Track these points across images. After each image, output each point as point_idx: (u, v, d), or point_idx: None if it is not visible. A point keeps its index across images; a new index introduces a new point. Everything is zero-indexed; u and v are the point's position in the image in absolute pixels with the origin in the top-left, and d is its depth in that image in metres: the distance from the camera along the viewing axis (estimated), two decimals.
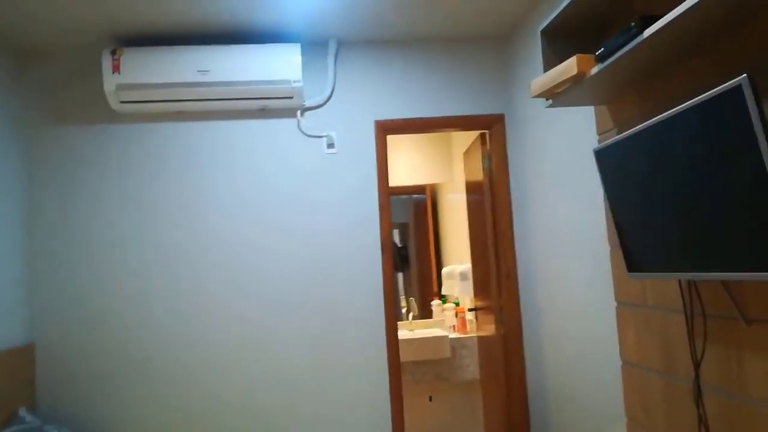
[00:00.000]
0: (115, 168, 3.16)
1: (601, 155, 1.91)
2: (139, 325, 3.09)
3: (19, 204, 3.02)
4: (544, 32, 2.22)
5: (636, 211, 1.78)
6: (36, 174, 3.11)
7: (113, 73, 2.93)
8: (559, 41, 2.23)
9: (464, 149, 4.58)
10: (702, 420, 1.73)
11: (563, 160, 2.75)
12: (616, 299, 2.28)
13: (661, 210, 1.64)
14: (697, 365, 1.76)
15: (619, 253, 2.23)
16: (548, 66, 2.21)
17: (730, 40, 1.57)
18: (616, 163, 1.84)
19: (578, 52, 2.20)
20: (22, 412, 2.74)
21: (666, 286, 1.94)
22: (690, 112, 1.43)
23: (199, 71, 2.98)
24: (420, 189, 5.05)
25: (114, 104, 3.00)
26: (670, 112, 1.50)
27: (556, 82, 2.03)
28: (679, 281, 1.82)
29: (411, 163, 4.96)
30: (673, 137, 1.52)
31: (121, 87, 2.93)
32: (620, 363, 2.29)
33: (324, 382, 3.17)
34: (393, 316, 3.25)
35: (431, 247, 5.05)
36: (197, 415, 3.08)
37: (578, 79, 1.92)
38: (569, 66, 1.93)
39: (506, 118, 3.40)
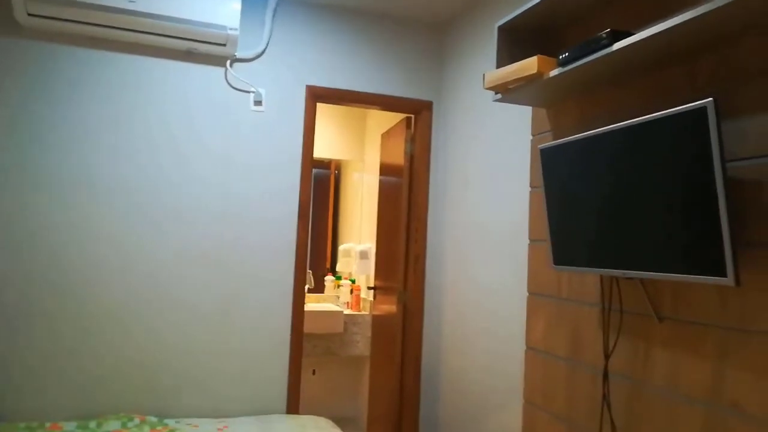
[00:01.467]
0: (15, 86, 2.78)
1: (546, 153, 2.02)
2: (35, 261, 2.77)
3: None
4: (501, 28, 2.30)
5: (571, 209, 1.92)
6: None
7: None
8: (514, 39, 2.32)
9: (379, 130, 4.61)
10: (606, 399, 1.92)
11: (488, 153, 2.87)
12: (529, 290, 2.44)
13: (595, 211, 1.79)
14: (608, 355, 1.94)
15: (539, 246, 2.39)
16: (501, 61, 2.30)
17: (684, 65, 1.73)
18: (559, 163, 1.96)
19: (530, 52, 2.31)
20: None
21: (584, 280, 2.11)
22: (649, 124, 1.56)
23: None
24: (324, 163, 5.01)
25: (20, 15, 2.64)
26: (631, 121, 1.62)
27: (511, 78, 2.11)
28: (601, 277, 1.99)
29: (321, 135, 4.90)
30: (625, 145, 1.66)
31: None
32: (523, 349, 2.46)
33: (226, 340, 3.06)
34: (302, 284, 3.22)
35: (329, 223, 5.04)
36: (81, 362, 2.83)
37: (535, 78, 2.02)
38: (529, 64, 2.01)
39: (434, 106, 3.47)
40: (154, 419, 2.77)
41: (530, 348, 2.40)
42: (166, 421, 2.80)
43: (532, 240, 2.45)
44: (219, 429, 2.74)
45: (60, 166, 2.84)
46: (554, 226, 2.02)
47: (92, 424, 2.66)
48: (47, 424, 2.64)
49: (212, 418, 2.99)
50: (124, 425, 2.67)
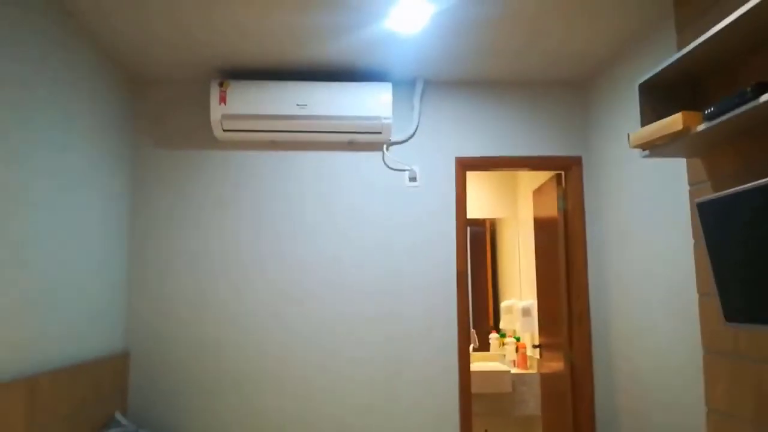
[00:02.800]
0: (214, 189, 3.37)
1: (704, 207, 1.99)
2: (227, 341, 3.26)
3: (124, 220, 3.24)
4: (642, 85, 2.33)
5: (737, 262, 1.86)
6: (140, 191, 3.34)
7: (220, 103, 3.15)
8: (655, 94, 2.34)
9: (530, 188, 4.68)
10: None
11: (643, 205, 2.83)
12: (704, 347, 2.33)
13: (764, 264, 1.72)
14: None
15: (709, 301, 2.29)
16: (645, 118, 2.32)
17: None
18: (719, 216, 1.92)
19: (673, 107, 2.31)
20: (118, 416, 2.91)
21: (761, 336, 1.99)
22: None
23: (297, 105, 3.18)
24: (478, 222, 5.15)
25: (218, 132, 3.21)
26: None
27: (656, 136, 2.13)
28: None
29: (473, 196, 5.08)
30: None
31: (225, 117, 3.15)
32: (704, 410, 2.33)
33: (396, 407, 3.26)
34: (466, 347, 3.34)
35: (489, 281, 5.13)
36: (272, 428, 3.20)
37: (681, 134, 2.03)
38: (674, 121, 2.03)
39: (583, 160, 3.50)
40: None
41: (712, 410, 2.28)
42: None
43: (702, 294, 2.36)
44: None
45: (252, 250, 3.33)
46: (721, 282, 1.96)
47: None
48: None
49: None
50: None
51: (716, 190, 2.19)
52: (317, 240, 3.37)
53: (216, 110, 3.15)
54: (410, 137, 3.48)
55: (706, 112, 1.90)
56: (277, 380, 3.25)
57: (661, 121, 2.10)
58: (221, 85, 3.16)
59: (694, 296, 2.41)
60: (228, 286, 3.31)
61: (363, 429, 3.24)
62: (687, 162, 2.45)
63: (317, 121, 3.19)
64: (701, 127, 1.93)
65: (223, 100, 3.15)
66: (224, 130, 3.21)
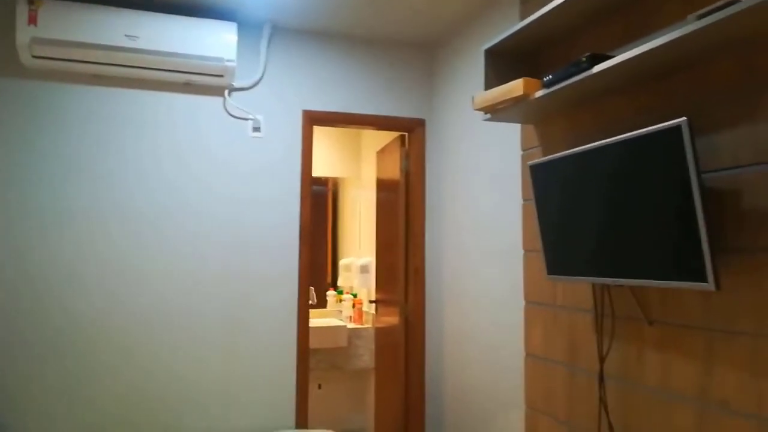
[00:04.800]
0: (19, 125, 2.89)
1: (536, 169, 2.14)
2: (46, 291, 2.86)
3: None
4: (488, 51, 2.42)
5: (561, 221, 2.03)
6: None
7: (29, 24, 2.69)
8: (500, 60, 2.44)
9: (374, 147, 4.73)
10: (602, 401, 2.02)
11: (480, 167, 2.99)
12: (526, 298, 2.54)
13: (585, 222, 1.90)
14: (602, 358, 2.04)
15: (533, 256, 2.50)
16: (489, 82, 2.42)
17: (660, 83, 1.85)
18: (549, 178, 2.08)
19: (516, 73, 2.44)
20: None
21: (577, 289, 2.22)
22: (630, 142, 1.68)
23: (126, 36, 2.83)
24: (321, 181, 5.12)
25: (25, 58, 2.75)
26: (612, 138, 1.74)
27: (499, 100, 2.23)
28: (593, 285, 2.10)
29: (317, 154, 5.01)
30: (609, 161, 1.77)
31: (36, 40, 2.70)
32: (523, 356, 2.56)
33: (233, 360, 3.15)
34: (306, 303, 3.32)
35: (329, 239, 5.14)
36: (95, 385, 2.92)
37: (522, 99, 2.14)
38: (515, 87, 2.13)
39: (427, 123, 3.59)
40: None
41: (530, 355, 2.51)
42: None
43: (527, 250, 2.56)
44: None
45: (63, 198, 2.94)
46: (546, 238, 2.13)
47: None
48: None
49: None
50: None
51: (545, 155, 2.37)
52: (149, 188, 3.07)
53: (24, 32, 2.68)
54: (255, 84, 3.28)
55: (545, 79, 2.02)
56: (100, 337, 2.94)
57: (504, 85, 2.19)
58: (31, 2, 2.69)
59: (520, 252, 2.61)
60: (41, 235, 2.89)
61: (200, 383, 3.08)
62: (521, 128, 2.61)
63: (149, 56, 2.87)
64: (539, 94, 2.05)
65: (33, 20, 2.69)
66: (34, 56, 2.75)
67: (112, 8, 2.81)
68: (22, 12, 2.68)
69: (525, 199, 2.59)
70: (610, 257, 1.80)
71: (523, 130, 2.61)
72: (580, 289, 2.20)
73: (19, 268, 2.86)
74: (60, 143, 2.95)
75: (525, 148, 2.59)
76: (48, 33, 2.71)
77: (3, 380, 2.81)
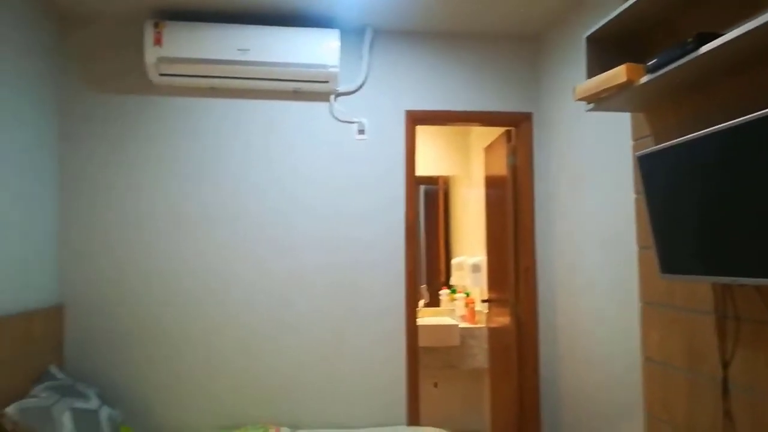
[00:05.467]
0: (147, 137, 3.20)
1: (644, 160, 1.98)
2: (165, 290, 3.16)
3: (52, 166, 3.06)
4: (589, 38, 2.28)
5: (674, 215, 1.86)
6: (70, 137, 3.14)
7: (155, 45, 2.97)
8: (602, 48, 2.29)
9: (483, 144, 4.64)
10: (727, 412, 1.83)
11: (591, 161, 2.82)
12: (642, 299, 2.37)
13: (701, 216, 1.72)
14: (726, 365, 1.85)
15: (649, 253, 2.31)
16: (591, 71, 2.28)
17: None
18: (659, 169, 1.91)
19: (619, 60, 2.27)
20: (53, 369, 2.80)
21: (695, 288, 2.03)
22: (746, 126, 1.50)
23: (239, 50, 3.02)
24: (432, 180, 5.12)
25: (153, 76, 3.04)
26: (726, 123, 1.57)
27: (601, 88, 2.09)
28: (713, 285, 1.91)
29: (427, 153, 5.02)
30: (723, 147, 1.60)
31: (162, 60, 2.97)
32: (641, 360, 2.39)
33: (343, 358, 3.25)
34: (414, 302, 3.34)
35: (441, 238, 5.13)
36: (216, 378, 3.16)
37: (625, 86, 1.99)
38: (617, 73, 1.99)
39: (534, 117, 3.46)
40: (287, 430, 3.01)
41: (647, 359, 2.33)
42: (298, 431, 3.03)
43: (641, 247, 2.38)
44: None
45: (186, 202, 3.21)
46: (658, 234, 1.97)
47: None
48: None
49: (339, 429, 3.18)
50: None
51: (657, 144, 2.19)
52: (260, 192, 3.26)
53: (151, 52, 2.96)
54: (359, 88, 3.36)
55: (648, 64, 1.87)
56: (219, 334, 3.19)
57: (605, 73, 2.06)
58: (156, 25, 2.97)
59: (635, 249, 2.44)
60: (164, 238, 3.18)
61: (310, 381, 3.22)
62: (631, 116, 2.44)
63: (260, 67, 3.04)
64: (644, 79, 1.90)
65: (158, 41, 2.97)
66: (160, 74, 3.03)
67: (225, 25, 3.02)
68: (149, 34, 2.96)
69: (638, 193, 2.41)
70: (729, 254, 1.63)
71: (633, 119, 2.43)
72: (699, 288, 2.01)
73: (151, 266, 3.17)
74: (183, 152, 3.22)
75: (636, 138, 2.41)
76: (171, 52, 2.97)
77: (140, 366, 3.13)
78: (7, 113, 2.60)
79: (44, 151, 2.96)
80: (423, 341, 4.30)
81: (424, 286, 4.95)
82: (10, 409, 2.28)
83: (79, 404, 2.56)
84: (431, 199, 5.12)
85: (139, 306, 3.15)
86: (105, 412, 2.67)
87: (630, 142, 2.47)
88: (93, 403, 2.65)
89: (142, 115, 3.21)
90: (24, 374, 2.64)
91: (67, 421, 2.41)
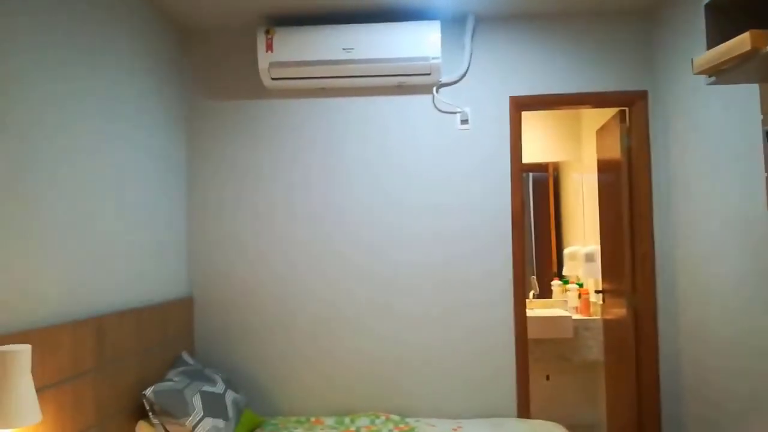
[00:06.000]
0: (264, 140, 3.41)
1: None
2: (284, 284, 3.36)
3: (181, 170, 3.36)
4: (708, 5, 2.11)
5: None
6: (195, 143, 3.43)
7: (267, 51, 3.14)
8: (723, 14, 2.11)
9: (595, 127, 4.44)
10: None
11: (716, 139, 2.62)
12: None
13: None
14: None
15: None
16: (712, 41, 2.11)
17: None
18: None
19: (743, 27, 2.08)
20: (185, 355, 3.08)
21: None
22: None
23: (343, 49, 3.12)
24: (541, 167, 4.97)
25: (266, 81, 3.22)
26: None
27: (724, 59, 1.94)
28: None
29: (535, 139, 4.89)
30: None
31: (273, 65, 3.15)
32: None
33: (452, 351, 3.28)
34: (522, 292, 3.28)
35: (552, 227, 4.98)
36: (331, 368, 3.31)
37: (750, 55, 1.83)
38: (741, 41, 1.83)
39: (649, 95, 3.26)
40: (397, 417, 3.09)
41: None
42: (407, 419, 3.10)
43: None
44: (454, 429, 2.94)
45: (301, 198, 3.37)
46: None
47: (347, 420, 3.08)
48: (312, 419, 3.14)
49: (448, 419, 3.21)
50: (372, 422, 3.04)
51: None
52: (371, 186, 3.35)
53: (263, 58, 3.15)
54: (461, 78, 3.35)
55: None
56: (337, 322, 3.33)
57: (727, 42, 1.90)
58: (267, 32, 3.14)
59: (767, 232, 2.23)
60: (282, 233, 3.37)
61: (419, 371, 3.28)
62: (760, 87, 2.23)
63: (364, 65, 3.13)
64: None
65: (270, 47, 3.14)
66: (272, 79, 3.20)
67: (329, 26, 3.13)
68: (261, 42, 3.15)
69: None
70: None
71: (762, 91, 2.22)
72: None
73: (271, 261, 3.37)
74: (298, 150, 3.39)
75: (766, 112, 2.20)
76: (282, 56, 3.14)
77: (261, 355, 3.35)
78: (146, 123, 2.89)
79: (174, 155, 3.25)
80: (534, 333, 4.22)
81: (534, 277, 4.84)
82: (149, 391, 2.54)
83: (208, 387, 2.79)
84: (541, 187, 4.98)
85: (261, 298, 3.37)
86: (230, 396, 2.89)
87: (759, 116, 2.26)
88: (219, 387, 2.87)
89: (258, 119, 3.42)
90: (161, 360, 2.93)
91: (197, 402, 2.65)
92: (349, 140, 3.38)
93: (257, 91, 3.41)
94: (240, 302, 3.37)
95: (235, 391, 2.97)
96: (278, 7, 3.10)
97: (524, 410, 3.25)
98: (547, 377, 4.61)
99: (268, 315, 3.36)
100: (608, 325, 3.86)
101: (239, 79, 3.42)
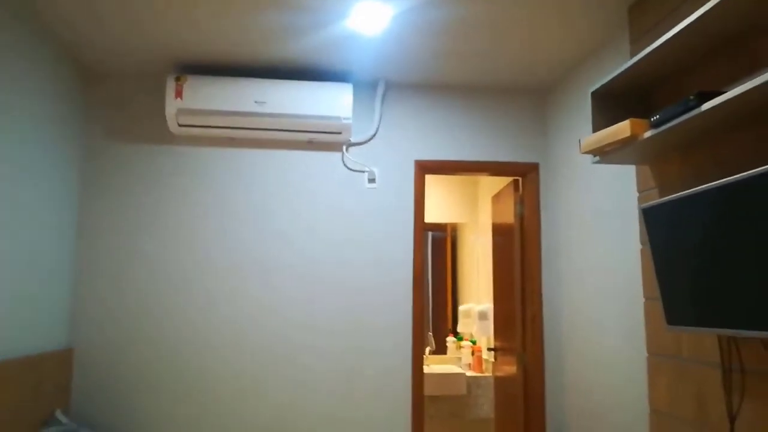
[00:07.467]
0: (169, 186, 3.30)
1: (649, 213, 2.04)
2: (175, 337, 3.19)
3: (70, 213, 3.15)
4: (594, 93, 2.38)
5: (679, 267, 1.91)
6: (90, 185, 3.25)
7: (176, 98, 3.09)
8: (607, 102, 2.39)
9: (491, 193, 4.73)
10: None
11: (598, 211, 2.89)
12: (649, 350, 2.38)
13: (705, 268, 1.77)
14: (732, 419, 1.86)
15: (655, 304, 2.35)
16: (596, 125, 2.38)
17: None
18: (664, 221, 1.97)
19: (624, 115, 2.37)
20: (58, 414, 2.81)
21: (702, 339, 2.05)
22: (748, 180, 1.57)
23: (256, 102, 3.15)
24: (440, 227, 5.18)
25: (173, 127, 3.15)
26: (729, 178, 1.63)
27: (606, 142, 2.18)
28: (719, 337, 1.94)
29: (436, 201, 5.11)
30: (726, 201, 1.66)
31: (182, 111, 3.09)
32: (648, 412, 2.39)
33: (348, 405, 3.24)
34: (420, 350, 3.35)
35: (448, 285, 5.16)
36: (223, 426, 3.16)
37: (629, 141, 2.08)
38: (622, 128, 2.08)
39: (540, 167, 3.55)
40: None
41: (654, 411, 2.33)
42: None
43: (648, 298, 2.42)
44: None
45: (199, 249, 3.27)
46: (664, 285, 2.01)
47: None
48: None
49: None
50: None
51: (662, 197, 2.25)
52: (275, 240, 3.33)
53: (171, 104, 3.09)
54: (370, 138, 3.48)
55: (652, 119, 1.95)
56: (228, 382, 3.20)
57: (611, 127, 2.15)
58: (178, 79, 3.10)
59: (641, 300, 2.47)
60: (180, 286, 3.24)
61: (314, 427, 3.20)
62: (636, 169, 2.51)
63: (276, 119, 3.16)
64: (648, 134, 1.98)
65: (179, 94, 3.10)
66: (180, 125, 3.14)
67: (243, 78, 3.16)
68: (170, 88, 3.09)
69: (644, 244, 2.47)
70: (733, 306, 1.67)
71: (638, 172, 2.50)
72: (705, 340, 2.04)
73: (163, 313, 3.21)
74: (200, 200, 3.31)
75: (641, 190, 2.48)
76: (191, 104, 3.10)
77: (145, 412, 3.13)
78: (30, 162, 2.70)
79: (64, 198, 3.06)
80: (429, 390, 4.28)
81: (430, 333, 4.95)
82: None
83: None
84: (439, 246, 5.18)
85: (148, 352, 3.18)
86: None
87: (636, 194, 2.54)
88: None
89: (161, 165, 3.31)
90: (31, 418, 2.66)
91: None
92: (257, 192, 3.36)
93: (163, 137, 3.32)
94: (126, 356, 3.16)
95: None
96: (190, 55, 3.08)
97: None
98: None
99: (154, 372, 3.16)
100: (499, 381, 4.01)
101: (144, 124, 3.32)
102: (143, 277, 3.22)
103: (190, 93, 3.11)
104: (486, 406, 4.40)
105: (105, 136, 3.29)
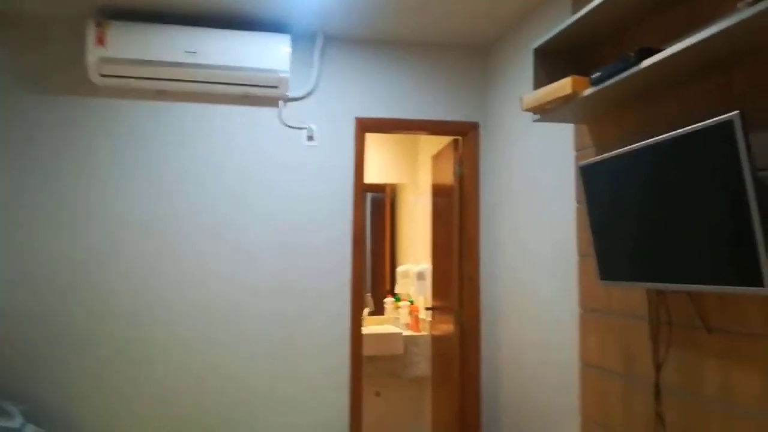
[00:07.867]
0: (92, 140, 3.09)
1: (586, 170, 2.07)
2: (97, 300, 3.04)
3: None
4: (536, 50, 2.37)
5: (613, 223, 1.95)
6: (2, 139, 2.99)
7: (97, 45, 2.87)
8: (549, 60, 2.38)
9: (431, 153, 4.71)
10: (659, 413, 1.91)
11: (536, 171, 2.92)
12: (581, 305, 2.45)
13: (638, 225, 1.81)
14: (658, 368, 1.94)
15: (588, 261, 2.41)
16: (538, 82, 2.37)
17: (712, 79, 1.75)
18: (600, 179, 2.00)
19: (566, 72, 2.36)
20: None
21: (632, 294, 2.12)
22: (679, 139, 1.59)
23: (186, 52, 2.96)
24: (379, 188, 5.15)
25: (94, 77, 2.93)
26: (661, 136, 1.66)
27: (547, 99, 2.17)
28: (648, 291, 2.01)
29: (375, 161, 5.05)
30: (658, 160, 1.69)
31: (104, 60, 2.88)
32: (579, 366, 2.47)
33: (287, 366, 3.21)
34: (359, 311, 3.34)
35: (387, 246, 5.16)
36: (150, 395, 3.05)
37: (570, 98, 2.08)
38: (563, 85, 2.07)
39: (481, 126, 3.55)
40: None
41: (585, 364, 2.42)
42: None
43: (582, 255, 2.48)
44: None
45: (132, 207, 3.10)
46: (598, 242, 2.05)
47: None
48: None
49: None
50: None
51: (598, 156, 2.28)
52: (207, 197, 3.19)
53: (93, 52, 2.86)
54: (309, 94, 3.36)
55: (592, 76, 1.96)
56: (153, 345, 3.08)
57: (552, 84, 2.14)
58: (99, 24, 2.87)
59: (575, 258, 2.53)
60: (98, 244, 3.06)
61: (251, 386, 3.16)
62: (575, 128, 2.54)
63: (208, 70, 2.99)
64: (588, 92, 1.99)
65: (101, 41, 2.87)
66: (102, 75, 2.93)
67: (173, 26, 2.96)
68: (91, 34, 2.86)
69: (579, 202, 2.51)
70: (663, 261, 1.72)
71: (576, 131, 2.53)
72: (635, 295, 2.11)
73: (83, 274, 3.04)
74: (128, 156, 3.12)
75: (578, 149, 2.52)
76: (115, 53, 2.88)
77: (68, 382, 2.98)
78: None
79: None
80: (367, 350, 4.30)
81: (369, 294, 4.96)
82: None
83: (1, 423, 2.42)
84: (378, 206, 5.15)
85: (69, 317, 3.01)
86: (29, 431, 2.53)
87: (573, 153, 2.57)
88: (17, 421, 2.51)
89: (81, 117, 3.09)
90: None
91: None
92: (188, 148, 3.19)
93: (84, 87, 3.09)
94: (46, 319, 2.98)
95: (37, 424, 2.61)
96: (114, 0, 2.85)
97: (356, 427, 3.28)
98: (378, 394, 4.71)
99: (78, 336, 3.01)
100: (436, 340, 4.08)
101: (62, 73, 3.07)
102: (60, 236, 3.02)
103: (114, 40, 2.89)
104: (423, 365, 4.47)
105: (16, 85, 3.02)
